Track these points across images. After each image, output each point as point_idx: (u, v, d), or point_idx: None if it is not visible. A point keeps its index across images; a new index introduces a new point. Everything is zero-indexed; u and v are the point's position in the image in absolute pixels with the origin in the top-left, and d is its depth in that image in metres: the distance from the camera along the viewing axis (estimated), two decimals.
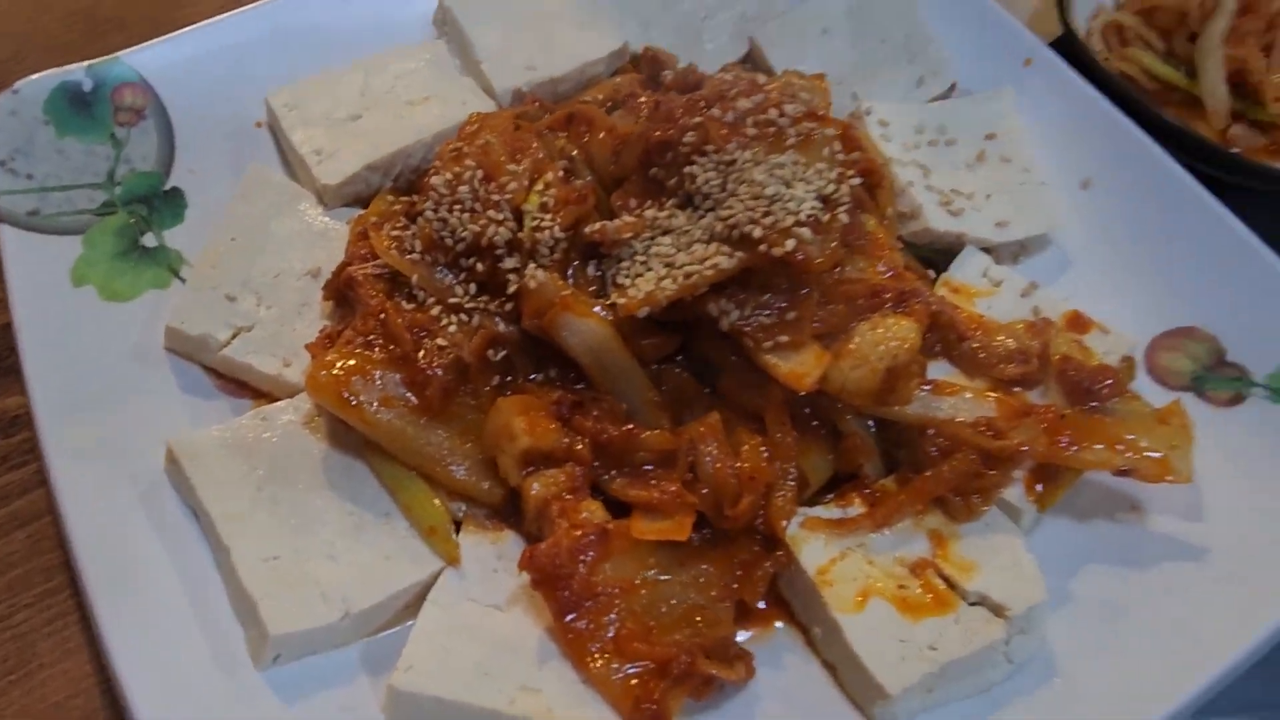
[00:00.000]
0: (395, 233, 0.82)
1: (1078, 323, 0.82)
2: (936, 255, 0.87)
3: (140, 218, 0.88)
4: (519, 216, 0.78)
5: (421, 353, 0.76)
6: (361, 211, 0.88)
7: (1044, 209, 0.89)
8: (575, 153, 0.82)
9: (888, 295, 0.75)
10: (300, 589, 0.70)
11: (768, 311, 0.73)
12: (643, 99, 0.87)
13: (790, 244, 0.71)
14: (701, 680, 0.68)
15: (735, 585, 0.72)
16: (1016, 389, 0.78)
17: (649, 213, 0.77)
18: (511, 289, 0.76)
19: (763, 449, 0.73)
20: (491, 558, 0.74)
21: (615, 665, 0.68)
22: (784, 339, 0.72)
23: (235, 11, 0.97)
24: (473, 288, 0.78)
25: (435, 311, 0.77)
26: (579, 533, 0.70)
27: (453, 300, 0.78)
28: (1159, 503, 0.76)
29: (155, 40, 0.94)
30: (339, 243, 0.86)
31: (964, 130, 0.92)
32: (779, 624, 0.75)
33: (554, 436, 0.73)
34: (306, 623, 0.69)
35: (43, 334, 0.81)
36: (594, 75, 0.97)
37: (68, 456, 0.75)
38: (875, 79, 0.96)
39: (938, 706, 0.69)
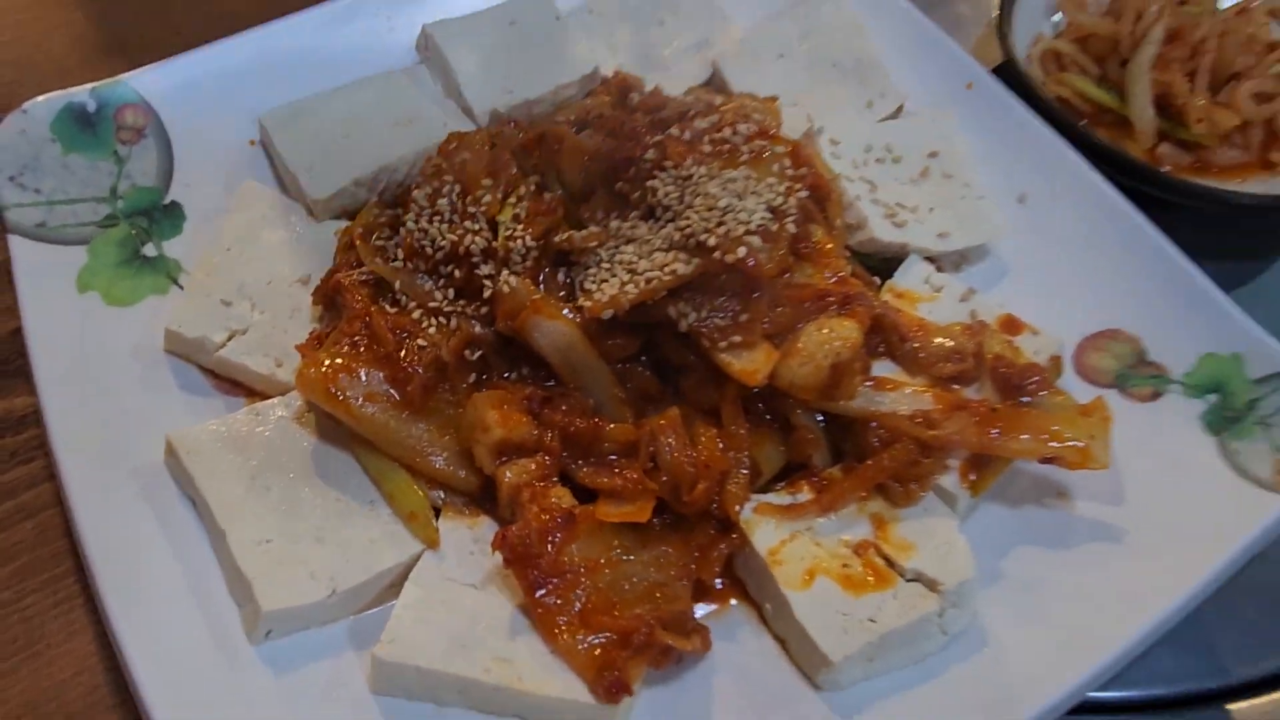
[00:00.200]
0: (379, 242, 0.87)
1: (1010, 325, 0.88)
2: (883, 264, 0.94)
3: (141, 229, 0.93)
4: (494, 227, 0.83)
5: (403, 352, 0.81)
6: (348, 223, 0.92)
7: (982, 221, 0.95)
8: (547, 169, 0.88)
9: (832, 299, 0.81)
10: (291, 569, 0.75)
11: (722, 314, 0.79)
12: (610, 119, 0.93)
13: (742, 251, 0.77)
14: (660, 650, 0.73)
15: (693, 565, 0.77)
16: (954, 385, 0.84)
17: (613, 223, 0.83)
18: (487, 294, 0.82)
19: (718, 440, 0.79)
20: (468, 541, 0.79)
21: (581, 637, 0.73)
22: (737, 339, 0.78)
23: (230, 37, 1.01)
24: (451, 293, 0.83)
25: (416, 315, 0.83)
26: (548, 516, 0.75)
27: (432, 304, 0.83)
28: (1083, 489, 0.82)
29: (155, 64, 0.98)
30: (327, 252, 0.91)
31: (909, 148, 0.98)
32: (734, 601, 0.80)
33: (525, 429, 0.79)
34: (297, 600, 0.74)
35: (50, 337, 0.85)
36: (566, 97, 1.02)
37: (74, 450, 0.80)
38: (828, 101, 1.02)
39: (879, 675, 0.74)
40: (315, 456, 0.82)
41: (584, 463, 0.79)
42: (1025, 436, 0.79)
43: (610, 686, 0.71)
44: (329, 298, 0.87)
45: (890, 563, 0.77)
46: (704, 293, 0.79)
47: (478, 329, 0.83)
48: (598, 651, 0.72)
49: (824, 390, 0.79)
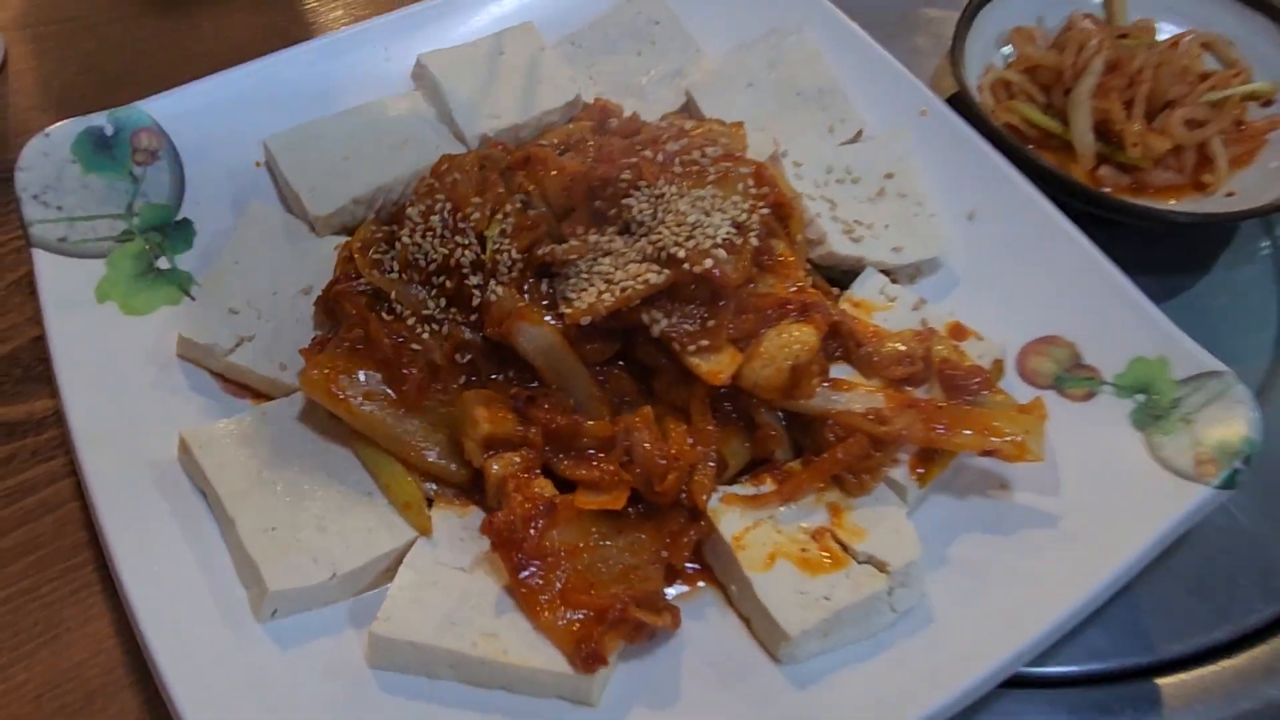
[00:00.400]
0: (376, 256, 0.94)
1: (958, 332, 0.95)
2: (842, 276, 1.01)
3: (155, 244, 0.99)
4: (482, 241, 0.90)
5: (399, 356, 0.88)
6: (348, 239, 0.98)
7: (933, 237, 1.02)
8: (531, 188, 0.94)
9: (792, 306, 0.88)
10: (295, 554, 0.81)
11: (691, 320, 0.86)
12: (591, 143, 1.00)
13: (708, 263, 0.85)
14: (634, 626, 0.79)
15: (664, 550, 0.84)
16: (905, 386, 0.92)
17: (592, 238, 0.90)
18: (476, 302, 0.88)
19: (687, 436, 0.86)
20: (459, 528, 0.86)
21: (561, 613, 0.79)
22: (704, 343, 0.85)
23: (238, 66, 1.08)
24: (443, 302, 0.90)
25: (411, 322, 0.89)
26: (531, 505, 0.82)
27: (425, 312, 0.90)
28: (1023, 481, 0.89)
29: (168, 91, 1.05)
30: (328, 265, 0.97)
31: (867, 169, 1.06)
32: (703, 584, 0.86)
33: (511, 425, 0.86)
34: (300, 581, 0.80)
35: (71, 344, 0.91)
36: (551, 123, 1.10)
37: (94, 446, 0.85)
38: (792, 126, 1.09)
39: (833, 649, 0.81)
40: (317, 452, 0.88)
41: (564, 456, 0.86)
42: (968, 432, 0.86)
43: (587, 658, 0.77)
44: (329, 307, 0.94)
45: (844, 547, 0.84)
46: (674, 301, 0.86)
47: (467, 334, 0.89)
48: (576, 627, 0.79)
49: (784, 390, 0.87)
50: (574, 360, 0.88)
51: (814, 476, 0.86)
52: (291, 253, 1.00)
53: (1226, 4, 1.23)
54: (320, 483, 0.86)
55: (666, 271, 0.85)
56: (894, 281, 1.01)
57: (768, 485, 0.88)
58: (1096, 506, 0.86)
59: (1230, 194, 1.12)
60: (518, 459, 0.85)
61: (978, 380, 0.90)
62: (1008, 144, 1.08)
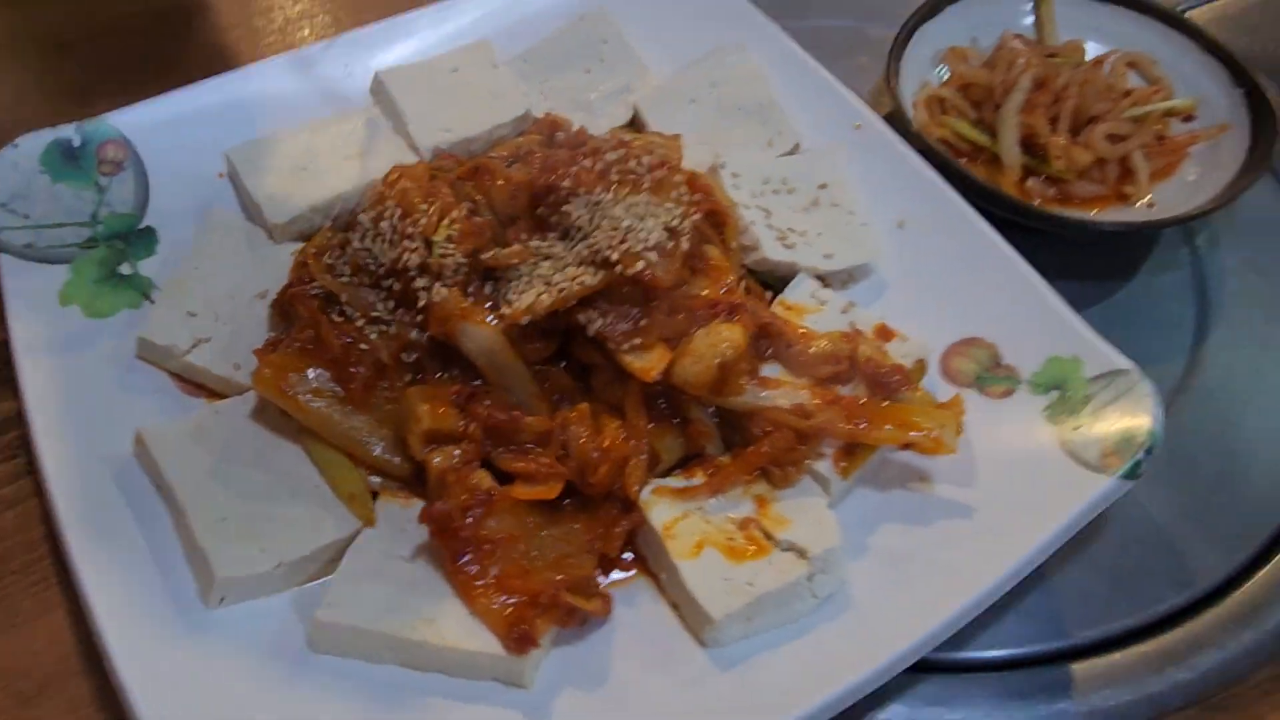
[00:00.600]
0: (330, 261, 0.98)
1: (883, 333, 1.00)
2: (779, 281, 1.06)
3: (118, 251, 1.03)
4: (429, 246, 0.94)
5: (348, 355, 0.92)
6: (305, 244, 1.03)
7: (863, 244, 1.07)
8: (479, 197, 0.99)
9: (722, 308, 0.93)
10: (243, 543, 0.85)
11: (625, 320, 0.90)
12: (537, 154, 1.05)
13: (640, 265, 0.89)
14: (566, 611, 0.83)
15: (598, 539, 0.88)
16: (831, 384, 0.97)
17: (534, 243, 0.94)
18: (422, 303, 0.92)
19: (621, 431, 0.90)
20: (402, 519, 0.89)
21: (495, 598, 0.83)
22: (637, 341, 0.90)
23: (202, 81, 1.12)
24: (391, 303, 0.93)
25: (360, 323, 0.93)
26: (469, 495, 0.86)
27: (374, 314, 0.93)
28: (943, 475, 0.93)
29: (134, 104, 1.09)
30: (285, 270, 1.00)
31: (802, 181, 1.10)
32: (636, 574, 0.90)
33: (452, 420, 0.89)
34: (247, 569, 0.83)
35: (34, 345, 0.94)
36: (501, 136, 1.13)
37: (53, 442, 0.89)
38: (732, 139, 1.14)
39: (757, 633, 0.85)
40: (268, 448, 0.91)
41: (503, 450, 0.90)
42: (887, 427, 0.91)
43: (519, 640, 0.81)
44: (283, 309, 0.98)
45: (768, 535, 0.88)
46: (609, 301, 0.91)
47: (414, 335, 0.93)
48: (509, 611, 0.82)
49: (713, 387, 0.91)
50: (514, 359, 0.92)
51: (741, 469, 0.91)
52: (250, 259, 1.04)
53: (1151, 25, 1.29)
54: (270, 477, 0.90)
55: (601, 273, 0.90)
56: (826, 286, 1.05)
57: (698, 478, 0.92)
58: (1009, 497, 0.91)
59: (1151, 204, 1.18)
60: (458, 452, 0.88)
61: (899, 378, 0.94)
62: (939, 158, 1.13)
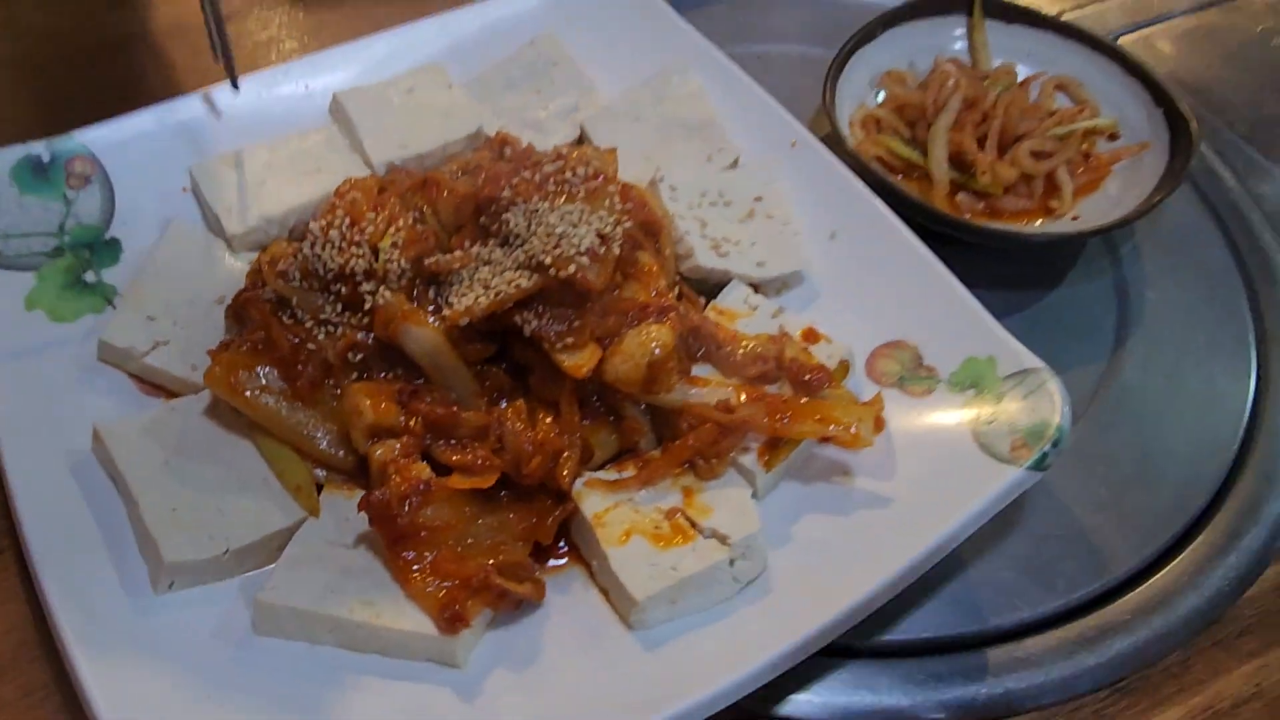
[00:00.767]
0: (283, 268, 1.03)
1: (810, 335, 1.05)
2: (713, 289, 1.11)
3: (83, 260, 1.08)
4: (376, 253, 0.99)
5: (296, 355, 0.97)
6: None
7: (795, 253, 1.12)
8: (425, 207, 1.05)
9: (652, 310, 0.98)
10: (192, 531, 0.89)
11: (559, 321, 0.95)
12: (484, 169, 1.11)
13: (572, 268, 0.94)
14: (498, 594, 0.87)
15: (532, 529, 0.93)
16: (759, 384, 1.01)
17: (474, 249, 1.00)
18: (367, 306, 0.97)
19: (554, 426, 0.95)
20: (345, 510, 0.93)
21: (430, 582, 0.87)
22: (570, 340, 0.94)
23: (168, 100, 1.18)
24: (339, 306, 0.98)
25: (309, 325, 0.97)
26: (407, 485, 0.91)
27: (323, 316, 0.98)
28: (865, 470, 0.98)
29: (102, 122, 1.14)
30: (242, 278, 1.06)
31: (739, 193, 1.16)
32: (569, 563, 0.95)
33: (394, 414, 0.94)
34: (194, 554, 0.88)
35: (0, 348, 1.00)
36: (455, 153, 1.19)
37: (14, 436, 0.93)
38: (673, 155, 1.19)
39: (681, 615, 0.89)
40: (219, 443, 0.96)
41: (443, 443, 0.95)
42: (807, 422, 0.96)
43: (451, 620, 0.85)
44: (238, 313, 1.02)
45: (693, 523, 0.92)
46: (545, 304, 0.95)
47: (360, 336, 0.98)
48: (442, 594, 0.87)
49: (644, 384, 0.96)
50: (454, 359, 0.97)
51: (669, 462, 0.95)
52: (209, 267, 1.09)
53: (1079, 49, 1.35)
54: (221, 470, 0.94)
55: (536, 276, 0.95)
56: (759, 293, 1.10)
57: (629, 471, 0.96)
58: (925, 488, 0.95)
59: (1075, 218, 1.23)
60: (398, 446, 0.93)
61: (821, 377, 0.99)
62: (872, 174, 1.19)
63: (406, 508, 0.89)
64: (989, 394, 0.99)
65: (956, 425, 0.99)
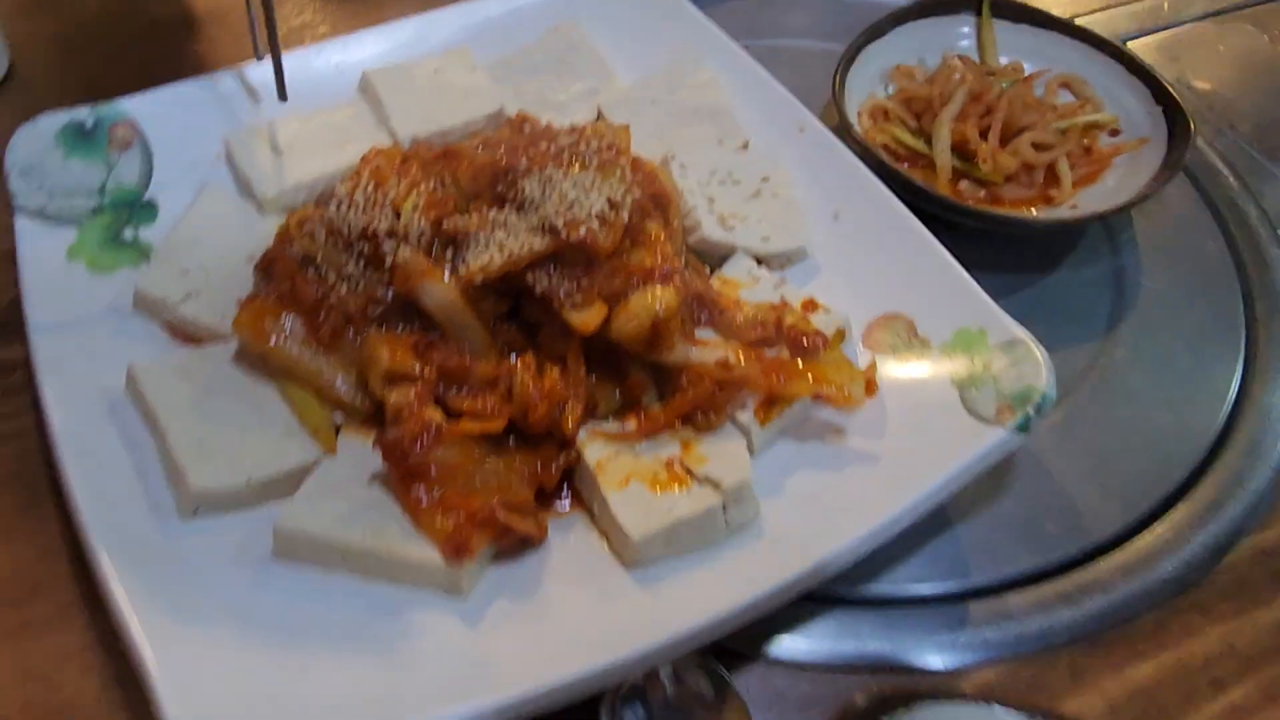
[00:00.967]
0: (309, 229, 1.10)
1: (809, 305, 1.09)
2: (718, 261, 1.16)
3: (122, 218, 1.14)
4: (397, 214, 1.06)
5: (319, 306, 1.03)
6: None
7: (799, 230, 1.17)
8: (447, 176, 1.11)
9: (657, 273, 1.03)
10: (217, 462, 0.94)
11: (568, 280, 1.01)
12: (504, 143, 1.16)
13: (583, 231, 1.00)
14: (502, 529, 0.92)
15: (537, 472, 0.98)
16: (759, 347, 1.06)
17: (491, 214, 1.06)
18: (388, 263, 1.03)
19: (560, 378, 1.00)
20: (360, 450, 0.98)
21: (439, 516, 0.93)
22: (578, 299, 1.00)
23: (205, 75, 1.25)
24: (361, 264, 1.04)
25: (332, 279, 1.04)
26: (420, 426, 0.96)
27: (346, 272, 1.04)
28: (857, 430, 1.02)
29: (144, 91, 1.21)
30: (269, 239, 1.12)
31: (747, 174, 1.21)
32: (571, 509, 0.99)
33: (409, 362, 0.99)
34: (218, 483, 0.93)
35: (41, 293, 1.05)
36: (476, 130, 1.26)
37: (53, 376, 0.99)
38: (685, 137, 1.24)
39: (676, 555, 0.93)
40: (245, 386, 1.01)
41: (454, 390, 1.00)
42: (802, 381, 1.00)
43: (456, 549, 0.90)
44: (266, 269, 1.08)
45: (689, 471, 0.97)
46: (555, 264, 1.01)
47: (380, 291, 1.04)
48: (450, 526, 0.92)
49: (647, 342, 1.00)
50: (469, 314, 1.02)
51: (669, 414, 1.00)
52: (240, 227, 1.15)
53: (1083, 49, 1.40)
54: (245, 410, 1.00)
55: (548, 238, 1.00)
56: (761, 265, 1.15)
57: (631, 423, 1.01)
58: (913, 448, 0.99)
59: (1074, 207, 1.27)
60: (413, 391, 0.98)
61: (818, 342, 1.04)
62: (877, 160, 1.24)
63: (418, 447, 0.94)
64: (978, 362, 1.03)
65: (946, 390, 1.03)
